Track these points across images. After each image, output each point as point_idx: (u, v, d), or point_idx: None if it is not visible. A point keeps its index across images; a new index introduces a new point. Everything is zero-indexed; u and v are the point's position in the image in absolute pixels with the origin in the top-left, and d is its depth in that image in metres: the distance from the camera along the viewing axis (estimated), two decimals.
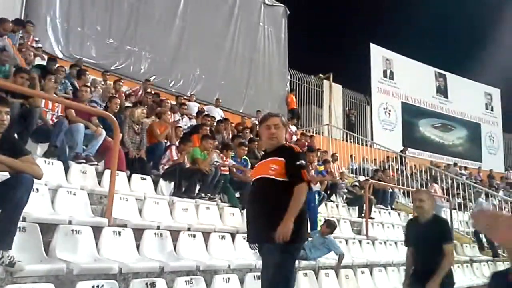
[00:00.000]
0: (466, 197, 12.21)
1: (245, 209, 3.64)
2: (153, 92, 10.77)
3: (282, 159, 3.29)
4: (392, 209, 10.68)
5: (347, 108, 19.03)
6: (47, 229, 3.88)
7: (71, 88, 7.83)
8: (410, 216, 9.78)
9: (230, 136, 9.67)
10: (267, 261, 3.28)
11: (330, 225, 6.33)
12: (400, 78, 20.37)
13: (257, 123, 13.20)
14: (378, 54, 20.03)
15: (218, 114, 12.12)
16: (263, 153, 3.68)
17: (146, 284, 3.70)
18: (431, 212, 4.40)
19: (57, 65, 8.61)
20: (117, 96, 7.81)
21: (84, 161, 5.73)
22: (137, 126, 6.87)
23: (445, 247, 4.20)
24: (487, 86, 23.70)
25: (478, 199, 11.87)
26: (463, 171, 18.28)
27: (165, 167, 6.72)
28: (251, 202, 3.55)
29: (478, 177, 18.81)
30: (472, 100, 22.73)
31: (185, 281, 4.03)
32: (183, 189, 6.44)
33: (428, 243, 4.24)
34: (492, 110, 23.79)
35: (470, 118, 22.82)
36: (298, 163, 3.29)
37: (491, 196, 12.61)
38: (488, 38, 22.96)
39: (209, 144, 7.18)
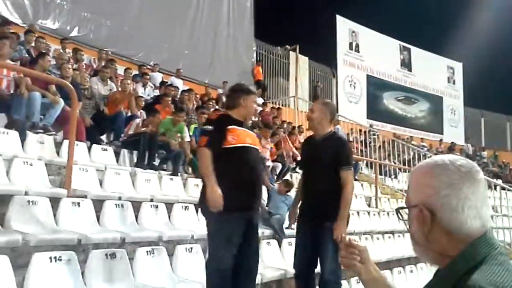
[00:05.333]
0: None
1: (246, 173, 3.34)
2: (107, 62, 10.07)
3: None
4: (356, 179, 10.84)
5: (313, 81, 19.06)
6: (2, 200, 3.73)
7: (26, 54, 7.47)
8: (373, 187, 10.01)
9: (195, 107, 9.53)
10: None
11: (288, 184, 6.35)
12: (365, 51, 20.48)
13: (221, 92, 13.07)
14: (344, 26, 20.03)
15: (179, 84, 11.90)
16: (236, 119, 3.48)
17: (106, 255, 3.62)
18: (326, 127, 3.73)
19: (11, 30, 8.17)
20: (70, 64, 7.50)
21: (41, 131, 5.54)
22: (85, 90, 6.78)
23: (342, 172, 3.54)
24: (450, 60, 24.15)
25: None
26: (424, 143, 18.74)
27: (128, 134, 6.58)
28: (255, 170, 3.46)
29: (440, 149, 19.34)
30: (435, 74, 23.13)
31: (147, 252, 3.97)
32: (146, 160, 6.34)
33: (320, 165, 3.62)
34: (454, 83, 24.31)
35: (433, 91, 23.27)
36: None
37: None
38: (452, 13, 23.22)
39: (181, 118, 7.09)
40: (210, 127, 3.36)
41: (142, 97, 8.52)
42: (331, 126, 3.86)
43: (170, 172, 6.45)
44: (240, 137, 3.38)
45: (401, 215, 1.18)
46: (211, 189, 3.17)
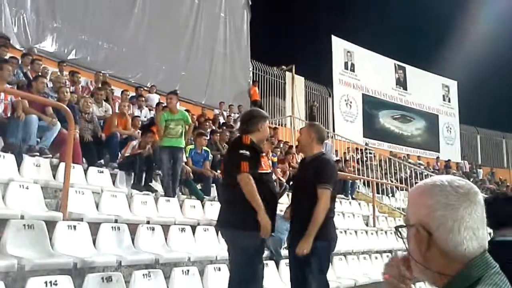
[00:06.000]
0: None
1: (274, 197, 3.69)
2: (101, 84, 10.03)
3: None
4: (353, 198, 10.85)
5: (309, 100, 19.15)
6: None
7: (23, 78, 7.52)
8: (370, 205, 10.00)
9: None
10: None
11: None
12: (361, 70, 20.63)
13: (217, 113, 13.14)
14: (339, 46, 20.21)
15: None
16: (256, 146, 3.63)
17: (102, 278, 3.60)
18: (315, 148, 3.82)
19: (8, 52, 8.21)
20: (67, 86, 7.55)
21: (38, 153, 5.55)
22: (86, 114, 6.82)
23: (318, 189, 3.57)
24: (444, 78, 24.31)
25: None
26: (421, 161, 18.80)
27: (124, 156, 6.59)
28: (276, 194, 3.82)
29: (436, 167, 19.40)
30: (430, 92, 23.26)
31: (143, 275, 3.95)
32: (143, 182, 6.34)
33: (304, 185, 3.74)
34: (449, 101, 24.44)
35: (428, 109, 23.38)
36: None
37: None
38: (447, 31, 23.52)
39: (173, 99, 6.96)
40: (247, 152, 3.42)
41: (138, 117, 8.56)
42: (320, 146, 3.91)
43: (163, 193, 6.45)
44: (266, 163, 3.63)
45: (400, 233, 1.18)
46: (264, 217, 3.35)
